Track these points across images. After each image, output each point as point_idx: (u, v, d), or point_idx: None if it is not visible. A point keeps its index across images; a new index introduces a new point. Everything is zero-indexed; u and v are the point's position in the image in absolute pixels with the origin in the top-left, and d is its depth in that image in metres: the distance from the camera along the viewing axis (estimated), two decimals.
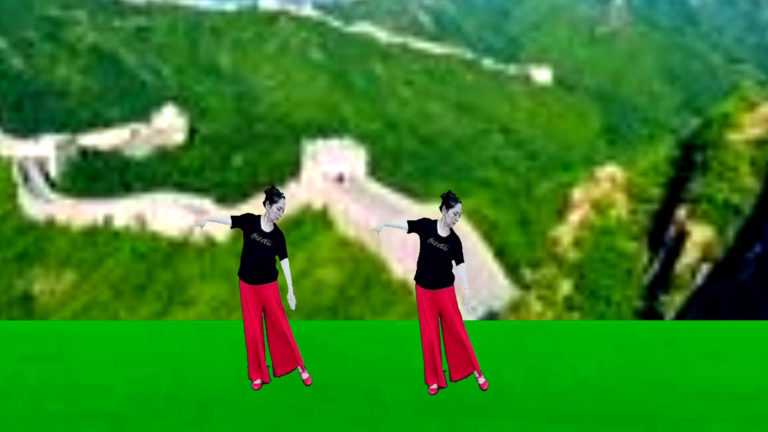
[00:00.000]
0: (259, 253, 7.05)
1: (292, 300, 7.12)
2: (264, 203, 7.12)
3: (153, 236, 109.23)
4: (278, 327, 7.25)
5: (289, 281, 7.17)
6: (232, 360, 8.68)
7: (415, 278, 7.16)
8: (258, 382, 7.24)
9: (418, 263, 7.09)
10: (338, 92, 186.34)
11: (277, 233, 7.11)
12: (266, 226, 7.08)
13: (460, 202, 6.97)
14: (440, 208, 7.07)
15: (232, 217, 7.10)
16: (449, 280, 7.06)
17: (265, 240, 7.04)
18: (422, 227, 7.04)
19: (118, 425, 5.96)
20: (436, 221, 7.07)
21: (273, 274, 7.17)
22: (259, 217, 7.13)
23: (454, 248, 7.01)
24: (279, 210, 7.04)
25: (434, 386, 7.06)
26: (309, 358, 8.03)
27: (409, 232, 7.09)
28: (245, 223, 7.07)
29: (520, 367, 8.19)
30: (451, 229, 7.07)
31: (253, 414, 6.29)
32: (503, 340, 10.11)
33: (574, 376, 7.73)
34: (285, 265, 7.19)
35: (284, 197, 7.13)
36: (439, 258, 6.98)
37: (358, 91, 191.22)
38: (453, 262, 7.03)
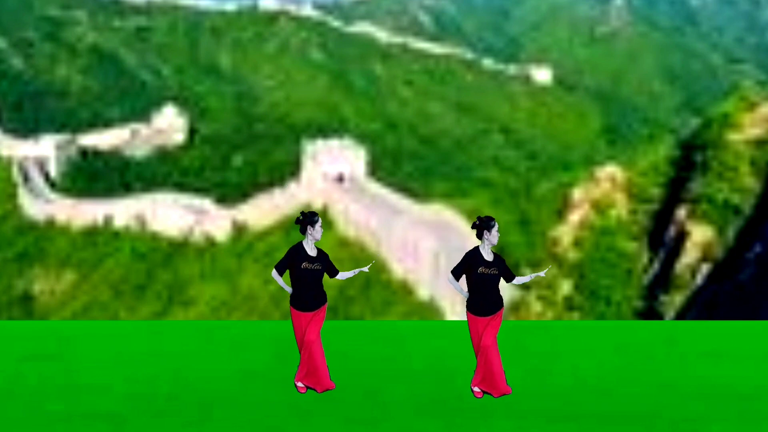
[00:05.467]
0: (312, 280, 7.25)
1: (352, 273, 7.49)
2: (304, 229, 7.29)
3: (153, 236, 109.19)
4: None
5: (352, 273, 7.50)
6: (232, 360, 8.68)
7: (468, 308, 7.20)
8: (327, 387, 7.22)
9: (471, 294, 7.14)
10: (338, 92, 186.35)
11: (322, 254, 7.35)
12: (312, 251, 7.28)
13: (494, 219, 7.16)
14: (477, 234, 7.15)
15: (278, 269, 7.25)
16: (501, 302, 7.21)
17: (315, 265, 7.25)
18: (468, 262, 7.10)
19: (118, 425, 5.96)
20: (477, 248, 7.14)
21: (324, 296, 7.41)
22: (300, 244, 7.27)
23: (502, 268, 7.15)
24: (320, 228, 7.36)
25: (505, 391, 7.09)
26: None
27: (458, 278, 7.17)
28: (291, 259, 7.23)
29: (520, 367, 8.19)
30: (493, 251, 7.19)
31: (253, 414, 6.29)
32: (503, 340, 10.10)
33: (574, 376, 7.73)
34: (342, 276, 7.47)
35: (317, 215, 7.45)
36: (491, 283, 7.10)
37: (358, 91, 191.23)
38: (503, 280, 7.17)
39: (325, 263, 7.31)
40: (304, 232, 7.28)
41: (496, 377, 7.00)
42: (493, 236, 7.11)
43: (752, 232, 30.14)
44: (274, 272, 7.27)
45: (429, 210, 77.38)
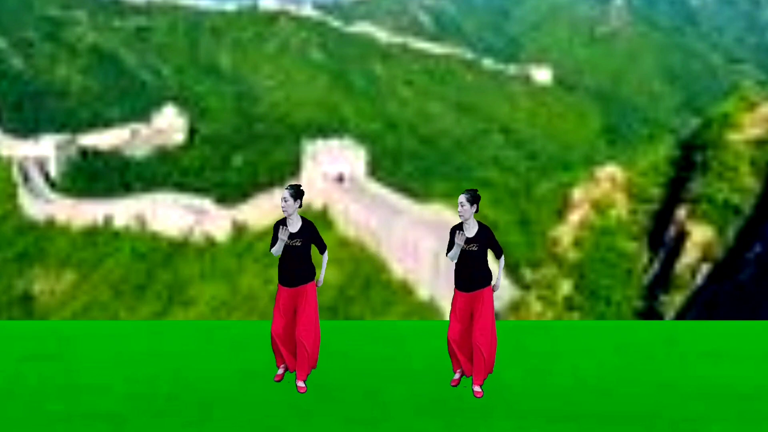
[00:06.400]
0: (292, 255, 7.04)
1: (320, 281, 7.18)
2: None
3: (153, 236, 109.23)
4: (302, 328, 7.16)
5: (323, 268, 7.24)
6: (232, 360, 8.68)
7: (454, 282, 7.18)
8: (280, 372, 7.32)
9: (455, 268, 7.12)
10: (338, 92, 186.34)
11: (306, 229, 7.07)
12: (293, 226, 7.06)
13: (464, 193, 6.96)
14: None
15: (272, 244, 7.08)
16: (485, 280, 7.02)
17: (294, 241, 7.02)
18: (451, 239, 7.03)
19: (118, 425, 5.96)
20: (461, 224, 7.05)
21: (309, 274, 7.12)
22: (284, 219, 7.09)
23: (485, 243, 6.98)
24: (288, 201, 6.97)
25: (457, 376, 7.20)
26: None
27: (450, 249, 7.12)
28: (275, 234, 7.08)
29: (520, 367, 8.19)
30: (481, 225, 7.03)
31: (253, 414, 6.29)
32: (503, 340, 10.10)
33: (574, 376, 7.73)
34: (324, 257, 7.24)
35: (290, 187, 7.05)
36: (471, 259, 6.97)
37: (358, 91, 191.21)
38: (494, 255, 7.07)
39: (306, 238, 7.03)
40: None
41: (488, 362, 7.02)
42: (461, 211, 6.90)
43: (752, 232, 30.15)
44: (272, 249, 7.08)
45: (429, 210, 77.39)
